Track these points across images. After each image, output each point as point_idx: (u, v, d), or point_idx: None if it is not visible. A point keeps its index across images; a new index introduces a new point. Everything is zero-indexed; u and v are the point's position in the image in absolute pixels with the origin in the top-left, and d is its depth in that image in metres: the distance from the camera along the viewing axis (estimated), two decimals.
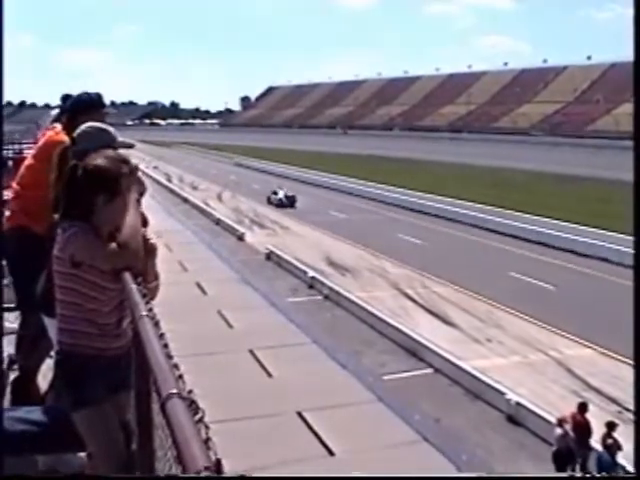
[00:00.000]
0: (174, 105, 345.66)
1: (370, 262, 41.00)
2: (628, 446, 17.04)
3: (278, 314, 11.86)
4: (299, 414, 7.56)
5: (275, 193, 66.56)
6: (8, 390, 5.79)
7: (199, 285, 13.57)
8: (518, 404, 20.74)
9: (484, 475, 17.36)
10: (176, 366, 2.21)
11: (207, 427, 1.82)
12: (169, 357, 2.28)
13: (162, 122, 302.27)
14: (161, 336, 2.51)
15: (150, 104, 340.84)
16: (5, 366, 6.19)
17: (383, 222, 56.56)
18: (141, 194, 4.31)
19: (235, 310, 11.68)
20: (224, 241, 42.67)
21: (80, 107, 6.24)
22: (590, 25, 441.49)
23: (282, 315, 11.85)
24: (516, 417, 20.62)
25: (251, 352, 9.56)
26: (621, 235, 43.71)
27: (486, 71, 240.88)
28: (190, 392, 2.00)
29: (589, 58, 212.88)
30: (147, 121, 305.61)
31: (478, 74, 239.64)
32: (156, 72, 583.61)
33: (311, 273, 35.86)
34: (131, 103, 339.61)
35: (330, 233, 50.13)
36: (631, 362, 24.63)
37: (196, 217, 52.51)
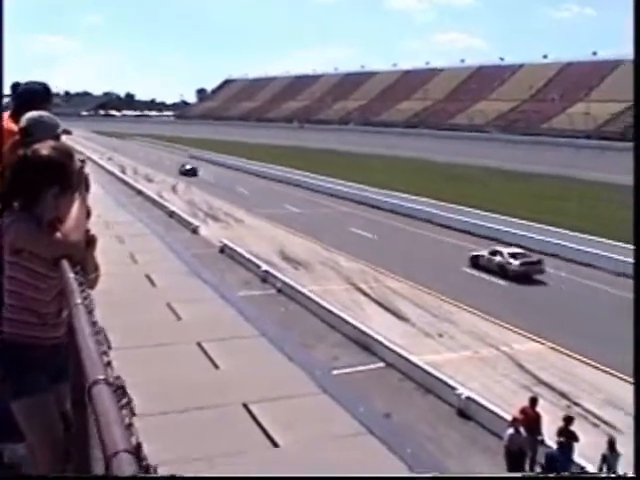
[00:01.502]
0: (129, 96, 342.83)
1: (323, 256, 41.06)
2: (586, 439, 17.32)
3: (228, 307, 11.84)
4: (245, 406, 7.57)
5: (183, 166, 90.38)
6: None
7: (149, 277, 13.48)
8: (468, 398, 20.86)
9: (486, 475, 17.54)
10: (105, 353, 2.21)
11: (133, 413, 1.82)
12: (100, 344, 2.27)
13: (117, 113, 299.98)
14: (94, 324, 2.51)
15: (105, 95, 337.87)
16: None
17: (337, 216, 56.71)
18: (87, 188, 4.31)
19: (184, 302, 11.63)
20: (178, 234, 42.51)
21: (27, 97, 6.20)
22: (547, 24, 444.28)
23: (232, 308, 11.83)
24: (466, 411, 20.75)
25: (199, 344, 9.54)
26: (570, 232, 44.25)
27: (443, 68, 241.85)
28: (118, 378, 2.00)
29: (545, 57, 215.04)
30: (102, 112, 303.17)
31: (435, 70, 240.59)
32: (112, 63, 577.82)
33: (264, 267, 35.82)
34: (86, 93, 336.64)
35: (284, 227, 50.14)
36: (578, 357, 25.06)
37: (150, 209, 52.16)
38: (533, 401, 18.72)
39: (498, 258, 38.40)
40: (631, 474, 14.12)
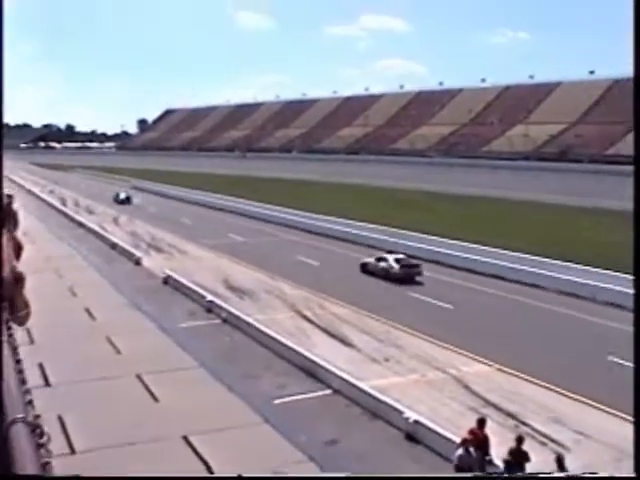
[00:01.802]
0: (70, 128, 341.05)
1: (268, 284, 40.97)
2: (537, 458, 17.43)
3: (167, 339, 11.77)
4: (185, 438, 7.51)
5: (117, 195, 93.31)
6: None
7: (88, 311, 13.35)
8: (416, 422, 20.88)
9: (482, 475, 17.52)
10: (28, 391, 2.18)
11: (48, 451, 1.80)
12: (22, 383, 2.24)
13: (58, 145, 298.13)
14: (18, 362, 2.47)
15: (45, 127, 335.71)
16: None
17: (281, 244, 56.82)
18: (15, 224, 4.24)
19: (124, 335, 11.54)
20: (120, 266, 42.16)
21: None
22: (483, 49, 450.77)
23: (171, 340, 11.74)
24: (415, 435, 20.76)
25: (138, 377, 9.45)
26: (515, 253, 44.93)
27: (383, 93, 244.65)
28: (37, 417, 1.97)
29: (484, 80, 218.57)
30: (42, 144, 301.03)
31: (375, 96, 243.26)
32: (51, 94, 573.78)
33: (209, 297, 35.62)
34: (25, 125, 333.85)
35: (229, 256, 49.99)
36: (526, 377, 25.28)
37: (91, 242, 51.67)
38: (481, 422, 18.79)
39: (382, 263, 43.58)
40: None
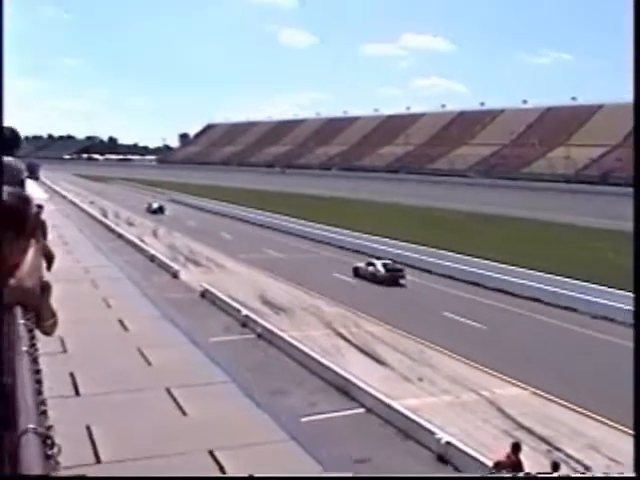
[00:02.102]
0: (112, 140, 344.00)
1: (304, 301, 40.96)
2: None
3: (200, 352, 11.77)
4: (210, 452, 7.50)
5: (150, 205, 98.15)
6: None
7: (121, 322, 13.39)
8: (448, 443, 20.74)
9: (484, 475, 17.40)
10: (43, 402, 2.19)
11: (57, 462, 1.81)
12: (39, 393, 2.25)
13: (100, 157, 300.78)
14: (37, 372, 2.48)
15: (88, 138, 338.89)
16: None
17: (318, 261, 56.82)
18: (44, 234, 4.29)
19: (155, 348, 11.55)
20: (158, 278, 42.47)
21: None
22: (526, 69, 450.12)
23: (203, 353, 11.75)
24: (446, 456, 20.62)
25: (168, 390, 9.46)
26: (550, 275, 44.59)
27: (425, 112, 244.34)
28: (49, 428, 1.98)
29: (525, 102, 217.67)
30: (85, 155, 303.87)
31: (416, 115, 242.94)
32: (95, 107, 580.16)
33: (245, 311, 35.68)
34: (69, 137, 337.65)
35: (266, 272, 50.09)
36: (561, 402, 25.03)
37: (130, 253, 52.03)
38: (516, 447, 18.48)
39: (371, 268, 48.69)
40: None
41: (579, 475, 16.76)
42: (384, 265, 48.54)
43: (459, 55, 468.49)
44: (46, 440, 1.89)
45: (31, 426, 1.90)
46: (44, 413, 2.08)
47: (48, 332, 3.98)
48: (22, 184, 5.24)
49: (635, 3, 5.71)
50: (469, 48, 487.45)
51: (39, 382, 2.38)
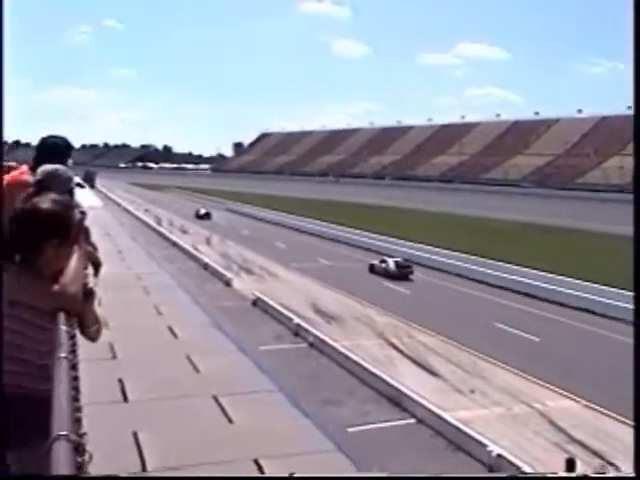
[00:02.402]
0: (167, 149, 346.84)
1: (356, 310, 40.90)
2: None
3: (249, 360, 11.77)
4: (255, 461, 7.49)
5: (198, 211, 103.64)
6: None
7: (171, 329, 13.45)
8: (499, 456, 20.56)
9: (479, 475, 17.28)
10: (79, 409, 2.18)
11: (85, 471, 1.80)
12: (75, 400, 2.25)
13: (154, 165, 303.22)
14: (74, 379, 2.49)
15: (143, 147, 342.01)
16: None
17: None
18: (87, 240, 4.33)
19: (204, 355, 11.58)
20: (210, 286, 42.69)
21: (46, 150, 6.26)
22: (580, 79, 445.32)
23: (253, 362, 11.76)
24: (496, 469, 20.44)
25: (215, 398, 9.49)
26: (605, 287, 44.04)
27: (479, 122, 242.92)
28: (82, 435, 1.97)
29: (580, 111, 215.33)
30: (139, 164, 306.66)
31: (471, 125, 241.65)
32: (150, 116, 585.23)
33: (296, 320, 35.72)
34: (124, 146, 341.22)
35: (318, 280, 50.11)
36: (614, 414, 24.68)
37: (183, 261, 52.34)
38: (570, 463, 18.03)
39: (384, 265, 55.01)
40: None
41: (579, 475, 16.47)
42: (395, 262, 54.88)
43: (514, 64, 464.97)
44: (78, 447, 1.89)
45: (63, 433, 1.90)
46: (78, 420, 2.07)
47: (93, 338, 4.00)
48: (71, 192, 5.29)
49: (635, 3, 5.62)
50: (524, 58, 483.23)
51: (76, 389, 2.38)
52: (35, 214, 3.84)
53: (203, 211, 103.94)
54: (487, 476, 17.47)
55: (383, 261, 55.78)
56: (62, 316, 3.48)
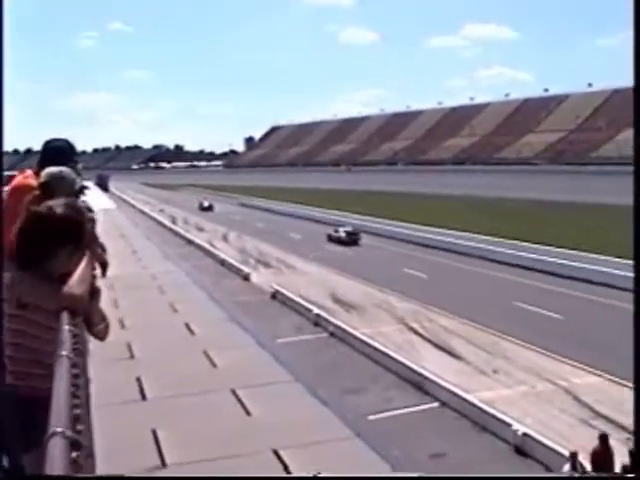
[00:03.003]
0: (178, 148, 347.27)
1: (376, 297, 40.86)
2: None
3: (264, 353, 11.78)
4: (275, 452, 7.49)
5: (202, 203, 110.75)
6: None
7: (188, 326, 13.48)
8: (525, 435, 20.51)
9: (483, 475, 17.23)
10: (77, 406, 2.18)
11: (81, 467, 1.80)
12: (74, 397, 2.24)
13: (167, 165, 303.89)
14: (75, 376, 2.49)
15: (155, 147, 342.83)
16: None
17: (388, 257, 56.61)
18: (94, 242, 4.35)
19: (221, 349, 11.61)
20: (228, 282, 42.84)
21: (50, 153, 6.27)
22: (590, 52, 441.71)
23: (268, 354, 11.76)
24: (523, 448, 20.39)
25: (232, 391, 9.50)
26: (625, 260, 43.81)
27: (488, 102, 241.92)
28: (79, 432, 1.97)
29: (590, 85, 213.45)
30: (152, 164, 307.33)
31: (481, 106, 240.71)
32: (161, 116, 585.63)
33: (316, 310, 35.74)
34: (136, 147, 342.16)
35: (336, 269, 50.10)
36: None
37: (200, 258, 52.47)
38: (603, 439, 17.68)
39: (336, 233, 67.07)
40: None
41: (580, 475, 16.36)
42: (345, 231, 66.86)
43: (522, 43, 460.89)
44: (74, 443, 1.88)
45: (59, 429, 1.90)
46: (77, 418, 2.07)
47: (101, 337, 4.01)
48: (77, 195, 5.30)
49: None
50: (532, 35, 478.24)
51: (76, 386, 2.38)
52: (50, 218, 3.83)
53: (206, 204, 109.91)
54: (492, 476, 17.42)
55: (336, 231, 67.71)
56: (65, 315, 3.48)
